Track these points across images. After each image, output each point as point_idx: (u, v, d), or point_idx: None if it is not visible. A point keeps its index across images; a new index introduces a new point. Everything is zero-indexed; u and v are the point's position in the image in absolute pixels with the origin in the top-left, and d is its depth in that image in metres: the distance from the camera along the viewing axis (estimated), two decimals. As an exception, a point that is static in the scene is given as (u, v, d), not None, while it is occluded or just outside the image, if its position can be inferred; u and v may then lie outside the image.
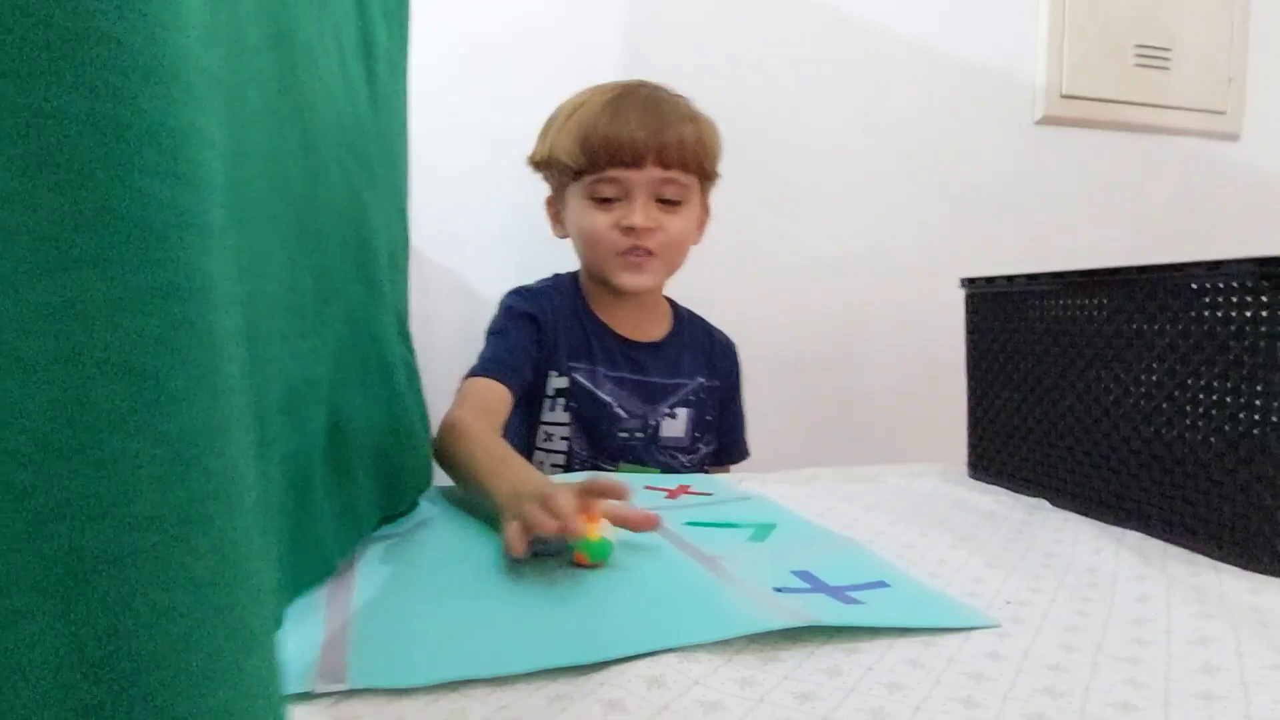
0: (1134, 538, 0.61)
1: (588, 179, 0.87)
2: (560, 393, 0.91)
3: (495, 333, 0.90)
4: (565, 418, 0.91)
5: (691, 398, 0.96)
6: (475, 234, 1.20)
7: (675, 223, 0.89)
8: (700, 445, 0.97)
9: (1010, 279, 0.77)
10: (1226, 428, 0.56)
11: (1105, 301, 0.66)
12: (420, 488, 0.67)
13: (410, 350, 0.71)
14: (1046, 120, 1.42)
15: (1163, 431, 0.61)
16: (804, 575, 0.51)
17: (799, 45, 1.31)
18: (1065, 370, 0.71)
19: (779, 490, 0.77)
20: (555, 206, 0.95)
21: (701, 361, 0.98)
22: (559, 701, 0.35)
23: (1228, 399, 0.56)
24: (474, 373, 0.85)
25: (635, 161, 0.85)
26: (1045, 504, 0.72)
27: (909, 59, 1.36)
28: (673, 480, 0.82)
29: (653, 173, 0.86)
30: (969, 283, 0.83)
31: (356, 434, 0.53)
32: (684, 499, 0.75)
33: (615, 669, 0.38)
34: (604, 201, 0.88)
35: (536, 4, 1.19)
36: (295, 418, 0.43)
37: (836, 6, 1.32)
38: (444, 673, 0.38)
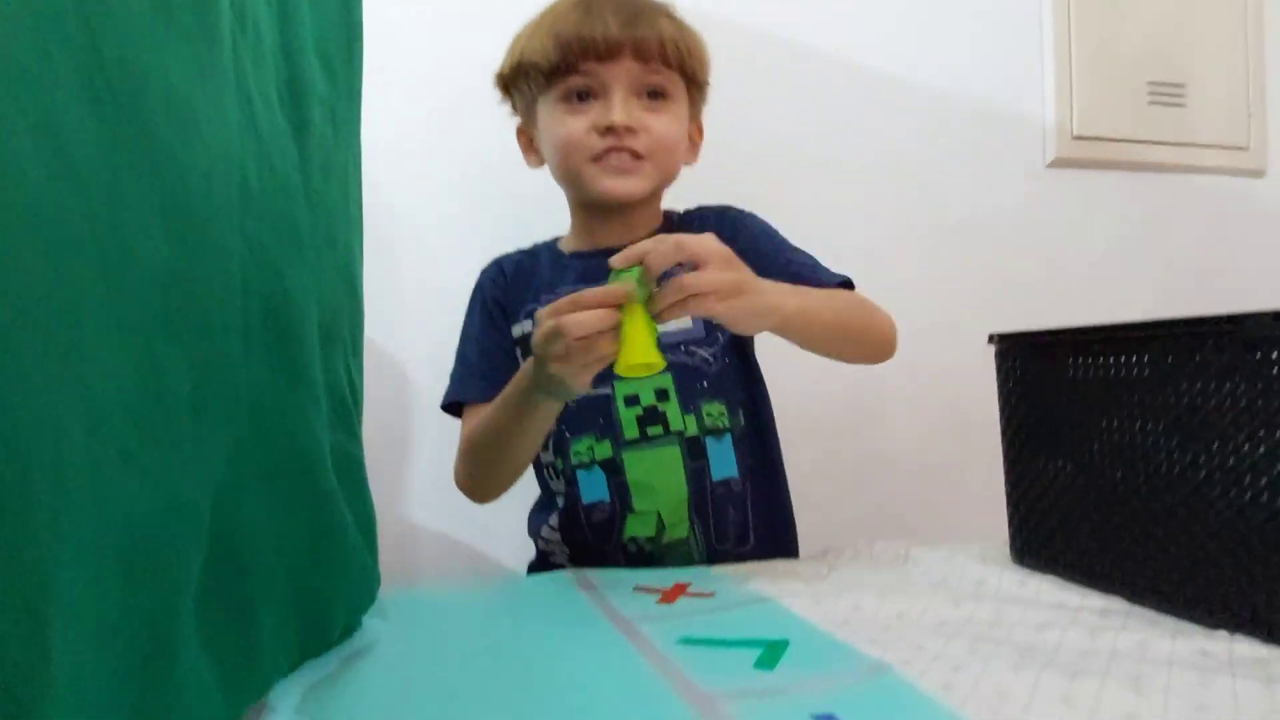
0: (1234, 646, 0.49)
1: (559, 83, 0.80)
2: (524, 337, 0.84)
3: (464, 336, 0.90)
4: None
5: None
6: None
7: (660, 122, 0.81)
8: (719, 333, 0.85)
9: (1052, 334, 0.67)
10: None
11: (1158, 358, 0.56)
12: (359, 606, 0.56)
13: (353, 438, 0.61)
14: (1059, 163, 1.34)
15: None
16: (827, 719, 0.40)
17: (799, 93, 1.24)
18: (1117, 437, 0.60)
19: (793, 587, 0.65)
20: (527, 133, 0.89)
21: None
22: None
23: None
24: (455, 399, 0.86)
25: (610, 54, 0.78)
26: (1121, 602, 0.60)
27: (909, 104, 1.29)
28: (668, 578, 0.70)
29: (630, 65, 0.79)
30: (1000, 339, 0.73)
31: (259, 555, 0.43)
32: (680, 603, 0.63)
33: None
34: (580, 101, 0.80)
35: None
36: (145, 563, 0.32)
37: (835, 52, 1.26)
38: None
